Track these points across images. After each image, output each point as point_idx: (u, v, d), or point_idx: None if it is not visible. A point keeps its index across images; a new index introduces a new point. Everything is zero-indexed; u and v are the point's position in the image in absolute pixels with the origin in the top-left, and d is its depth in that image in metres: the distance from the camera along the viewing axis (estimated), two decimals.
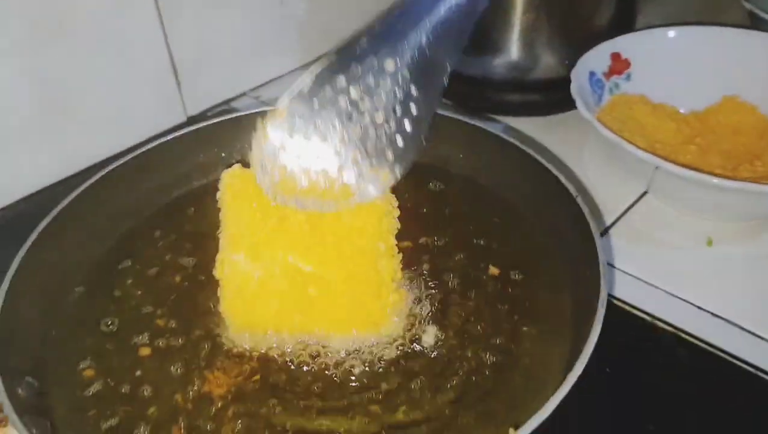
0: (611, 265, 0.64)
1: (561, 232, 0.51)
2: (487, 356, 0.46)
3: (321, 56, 0.98)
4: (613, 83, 0.78)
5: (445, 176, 0.60)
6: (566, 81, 0.73)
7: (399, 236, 0.48)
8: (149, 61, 0.82)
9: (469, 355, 0.46)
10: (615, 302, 0.61)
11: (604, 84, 0.77)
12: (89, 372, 0.46)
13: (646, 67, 0.79)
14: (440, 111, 0.59)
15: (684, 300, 0.61)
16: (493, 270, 0.52)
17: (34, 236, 0.48)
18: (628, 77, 0.79)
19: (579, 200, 0.47)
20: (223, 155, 0.63)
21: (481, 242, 0.54)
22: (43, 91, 0.74)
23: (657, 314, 0.60)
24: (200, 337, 0.47)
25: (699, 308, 0.61)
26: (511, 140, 0.55)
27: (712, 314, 0.60)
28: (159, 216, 0.59)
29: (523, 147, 0.54)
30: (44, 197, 0.76)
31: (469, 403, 0.43)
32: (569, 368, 0.37)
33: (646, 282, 0.63)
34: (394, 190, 0.49)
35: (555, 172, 0.50)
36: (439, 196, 0.59)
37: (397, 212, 0.50)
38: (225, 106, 0.92)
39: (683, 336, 0.58)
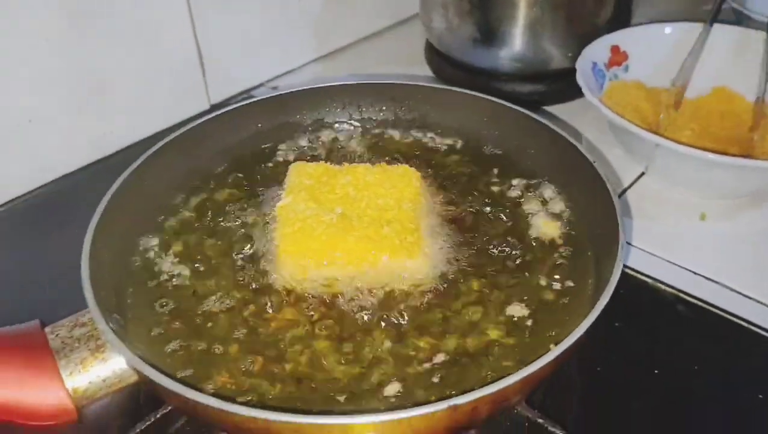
0: None
1: (578, 196, 0.58)
2: (523, 298, 0.52)
3: (334, 50, 1.06)
4: (612, 73, 0.84)
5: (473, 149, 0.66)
6: (567, 72, 0.79)
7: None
8: (178, 51, 0.87)
9: (502, 299, 0.52)
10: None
11: (605, 74, 0.83)
12: (162, 310, 0.51)
13: (642, 60, 0.85)
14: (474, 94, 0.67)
15: (682, 267, 0.68)
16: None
17: (115, 186, 0.54)
18: (626, 69, 0.85)
19: (596, 165, 0.54)
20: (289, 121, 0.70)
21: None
22: (80, 76, 0.78)
23: (659, 278, 0.66)
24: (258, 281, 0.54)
25: (694, 273, 0.67)
26: (534, 115, 0.61)
27: (705, 277, 0.66)
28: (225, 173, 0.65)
29: (545, 121, 0.60)
30: (80, 177, 0.81)
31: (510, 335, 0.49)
32: (596, 300, 0.43)
33: (647, 252, 0.69)
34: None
35: (574, 141, 0.56)
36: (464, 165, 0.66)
37: (420, 184, 0.59)
38: (245, 96, 0.97)
39: (682, 295, 0.64)
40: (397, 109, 0.69)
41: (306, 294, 0.52)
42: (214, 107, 0.93)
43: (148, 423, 0.46)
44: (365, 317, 0.50)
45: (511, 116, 0.63)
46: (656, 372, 0.57)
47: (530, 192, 0.62)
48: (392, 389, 0.46)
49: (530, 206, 0.60)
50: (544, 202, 0.61)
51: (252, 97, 0.92)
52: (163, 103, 0.88)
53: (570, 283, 0.53)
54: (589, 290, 0.51)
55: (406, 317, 0.50)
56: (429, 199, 0.59)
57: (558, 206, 0.60)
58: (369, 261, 0.52)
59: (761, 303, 0.63)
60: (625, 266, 0.67)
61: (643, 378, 0.57)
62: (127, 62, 0.82)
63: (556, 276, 0.53)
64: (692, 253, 0.69)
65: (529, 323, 0.50)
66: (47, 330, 0.44)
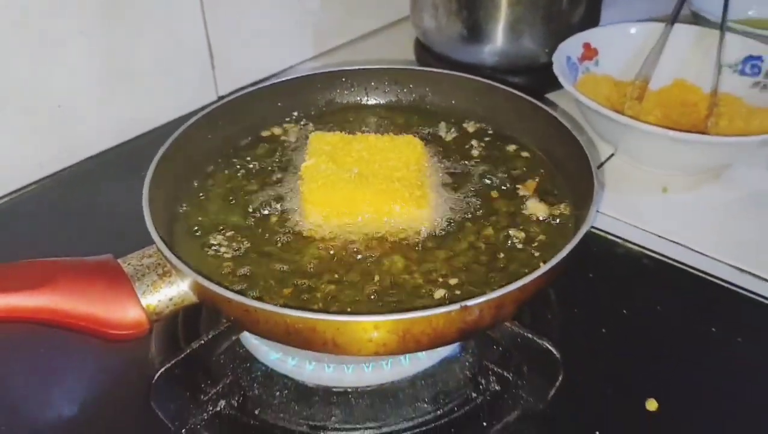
0: None
1: (565, 164, 0.68)
2: (510, 234, 0.62)
3: (331, 48, 1.15)
4: (584, 67, 0.95)
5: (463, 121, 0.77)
6: (544, 67, 0.89)
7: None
8: (192, 46, 0.96)
9: (496, 236, 0.61)
10: (593, 230, 0.77)
11: (578, 67, 0.94)
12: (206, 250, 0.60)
13: (611, 55, 0.96)
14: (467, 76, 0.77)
15: (645, 230, 0.78)
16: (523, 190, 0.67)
17: (160, 151, 0.63)
18: (597, 63, 0.96)
19: (580, 139, 0.63)
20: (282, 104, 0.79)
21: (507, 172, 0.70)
22: (108, 66, 0.87)
23: (627, 238, 0.76)
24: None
25: (658, 235, 0.77)
26: (527, 97, 0.72)
27: (667, 239, 0.76)
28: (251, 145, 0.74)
29: (535, 101, 0.71)
30: (106, 158, 0.90)
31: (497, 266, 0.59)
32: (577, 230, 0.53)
33: (617, 219, 0.79)
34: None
35: (561, 119, 0.66)
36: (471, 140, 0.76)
37: (422, 150, 0.68)
38: (250, 88, 1.05)
39: (646, 252, 0.75)
40: (399, 91, 0.79)
41: (328, 239, 0.60)
42: (221, 99, 1.02)
43: (201, 342, 0.55)
44: (379, 255, 0.59)
45: (499, 94, 0.73)
46: (624, 312, 0.67)
47: (512, 155, 0.72)
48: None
49: (516, 166, 0.70)
50: (527, 166, 0.70)
51: None
52: (177, 94, 0.97)
53: (552, 222, 0.63)
54: (570, 230, 0.61)
55: (417, 255, 0.59)
56: (430, 163, 0.68)
57: (539, 166, 0.70)
58: (383, 211, 0.61)
59: (714, 259, 0.73)
60: (597, 229, 0.77)
61: (613, 316, 0.67)
62: (148, 56, 0.91)
63: (540, 218, 0.63)
64: (656, 219, 0.79)
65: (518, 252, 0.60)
66: (120, 261, 0.53)
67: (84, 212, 0.81)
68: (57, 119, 0.85)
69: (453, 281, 0.56)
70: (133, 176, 0.77)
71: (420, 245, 0.60)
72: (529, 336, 0.54)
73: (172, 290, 0.52)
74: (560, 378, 0.54)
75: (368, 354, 0.49)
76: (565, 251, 0.50)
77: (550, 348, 0.53)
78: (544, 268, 0.50)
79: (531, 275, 0.49)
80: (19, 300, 0.46)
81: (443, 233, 0.61)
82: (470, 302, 0.47)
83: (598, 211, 0.79)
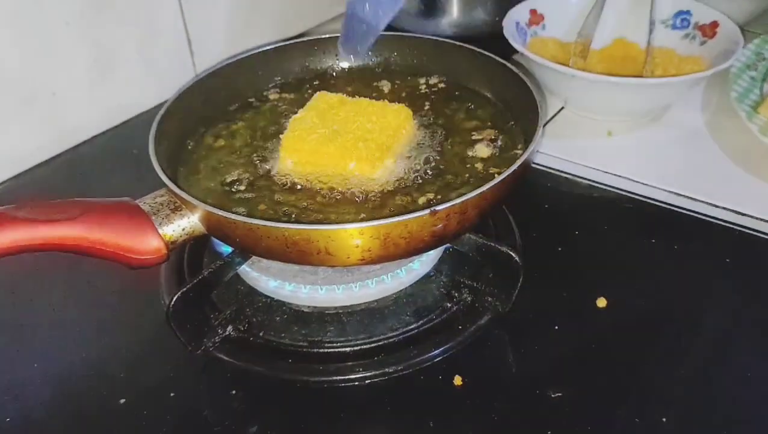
0: (538, 151, 0.90)
1: (516, 108, 0.76)
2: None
3: (298, 34, 1.24)
4: (533, 31, 1.04)
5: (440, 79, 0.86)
6: (497, 36, 0.99)
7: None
8: (171, 35, 1.04)
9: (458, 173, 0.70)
10: (547, 170, 0.87)
11: (526, 31, 1.03)
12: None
13: (556, 20, 1.06)
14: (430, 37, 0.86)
15: (593, 168, 0.87)
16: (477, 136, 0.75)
17: (167, 104, 0.72)
18: (543, 27, 1.05)
19: (533, 90, 0.71)
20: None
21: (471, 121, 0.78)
22: (95, 55, 0.95)
23: (577, 174, 0.86)
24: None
25: (603, 171, 0.87)
26: (478, 49, 0.81)
27: (612, 174, 0.86)
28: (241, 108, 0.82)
29: (485, 52, 0.80)
30: (98, 142, 0.98)
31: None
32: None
33: (567, 160, 0.89)
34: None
35: (516, 71, 0.75)
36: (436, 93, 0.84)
37: (409, 121, 0.74)
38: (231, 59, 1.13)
39: (595, 184, 0.84)
40: (366, 55, 0.88)
41: (298, 183, 0.68)
42: None
43: (210, 269, 0.63)
44: (335, 205, 0.65)
45: (455, 51, 0.82)
46: (577, 232, 0.77)
47: (472, 103, 0.81)
48: None
49: (475, 115, 0.79)
50: (485, 114, 0.79)
51: None
52: (160, 80, 1.04)
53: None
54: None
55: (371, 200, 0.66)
56: (415, 133, 0.74)
57: (495, 113, 0.79)
58: (341, 166, 0.68)
59: (652, 186, 0.83)
60: (551, 168, 0.87)
61: (567, 236, 0.76)
62: (131, 44, 0.99)
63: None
64: (602, 158, 0.89)
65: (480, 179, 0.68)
66: (137, 201, 0.61)
67: (80, 193, 0.88)
68: (52, 107, 0.92)
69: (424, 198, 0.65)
70: (124, 158, 0.87)
71: (372, 197, 0.66)
72: (492, 244, 0.64)
73: (184, 222, 0.60)
74: (520, 280, 0.63)
75: (356, 260, 0.58)
76: (517, 163, 0.60)
77: (510, 252, 0.62)
78: (499, 178, 0.58)
79: (488, 184, 0.58)
80: (62, 231, 0.54)
81: (400, 188, 0.67)
82: (438, 207, 0.55)
83: (539, 151, 0.89)
